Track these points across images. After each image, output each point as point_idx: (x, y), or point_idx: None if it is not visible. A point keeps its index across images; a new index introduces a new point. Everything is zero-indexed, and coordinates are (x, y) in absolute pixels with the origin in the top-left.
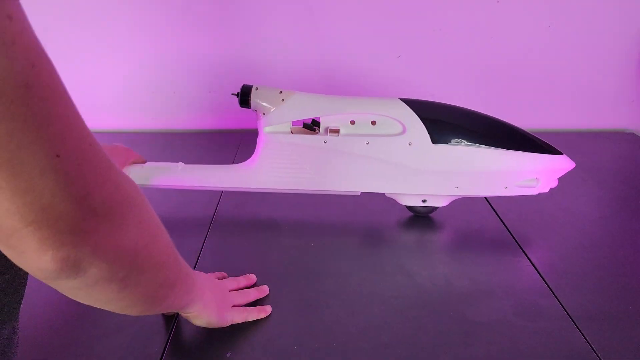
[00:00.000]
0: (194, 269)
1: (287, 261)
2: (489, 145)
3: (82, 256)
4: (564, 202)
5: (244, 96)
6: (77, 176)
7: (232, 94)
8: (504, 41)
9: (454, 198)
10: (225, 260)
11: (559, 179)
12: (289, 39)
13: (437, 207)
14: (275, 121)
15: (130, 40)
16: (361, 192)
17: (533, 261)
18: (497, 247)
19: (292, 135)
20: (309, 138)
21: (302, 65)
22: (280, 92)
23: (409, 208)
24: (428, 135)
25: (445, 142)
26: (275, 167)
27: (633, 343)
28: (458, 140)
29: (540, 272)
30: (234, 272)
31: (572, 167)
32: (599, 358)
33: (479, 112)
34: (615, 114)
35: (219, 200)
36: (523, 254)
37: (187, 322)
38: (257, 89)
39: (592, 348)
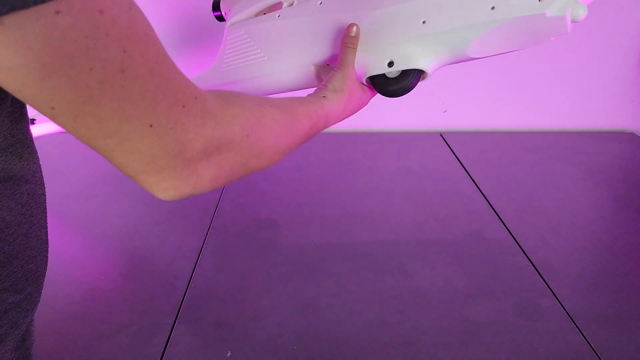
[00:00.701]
0: (194, 268)
1: (287, 261)
2: None
3: (190, 190)
4: (564, 202)
5: (215, 8)
6: (170, 138)
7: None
8: None
9: (435, 61)
10: (225, 260)
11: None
12: None
13: (413, 79)
14: (237, 14)
15: None
16: (315, 65)
17: (533, 261)
18: (497, 247)
19: (249, 20)
20: (264, 17)
21: None
22: None
23: (379, 87)
24: None
25: None
26: (234, 57)
27: (633, 343)
28: None
29: (540, 272)
30: (234, 272)
31: None
32: (599, 358)
33: None
34: (615, 114)
35: (219, 200)
36: (523, 254)
37: (187, 322)
38: None
39: (592, 348)
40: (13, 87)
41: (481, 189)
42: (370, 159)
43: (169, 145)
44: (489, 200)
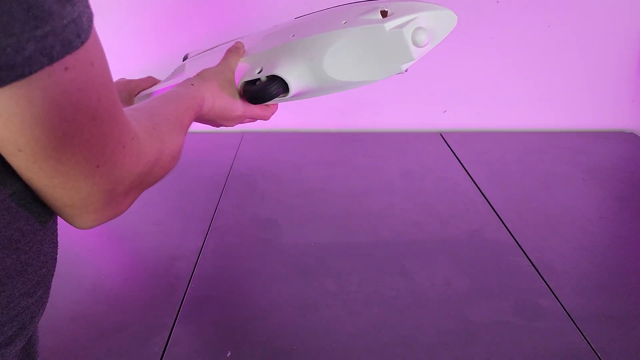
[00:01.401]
0: (194, 269)
1: (287, 261)
2: None
3: (107, 220)
4: (564, 202)
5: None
6: (109, 177)
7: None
8: (504, 41)
9: (296, 72)
10: (225, 260)
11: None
12: None
13: (274, 85)
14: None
15: (130, 42)
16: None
17: (533, 261)
18: (497, 247)
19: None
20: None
21: None
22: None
23: (247, 93)
24: None
25: None
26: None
27: (633, 343)
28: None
29: (540, 272)
30: (233, 272)
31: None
32: (599, 358)
33: None
34: (615, 114)
35: (219, 200)
36: (523, 254)
37: (187, 322)
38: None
39: (592, 348)
40: None
41: (481, 189)
42: (370, 159)
43: (107, 184)
44: (489, 200)
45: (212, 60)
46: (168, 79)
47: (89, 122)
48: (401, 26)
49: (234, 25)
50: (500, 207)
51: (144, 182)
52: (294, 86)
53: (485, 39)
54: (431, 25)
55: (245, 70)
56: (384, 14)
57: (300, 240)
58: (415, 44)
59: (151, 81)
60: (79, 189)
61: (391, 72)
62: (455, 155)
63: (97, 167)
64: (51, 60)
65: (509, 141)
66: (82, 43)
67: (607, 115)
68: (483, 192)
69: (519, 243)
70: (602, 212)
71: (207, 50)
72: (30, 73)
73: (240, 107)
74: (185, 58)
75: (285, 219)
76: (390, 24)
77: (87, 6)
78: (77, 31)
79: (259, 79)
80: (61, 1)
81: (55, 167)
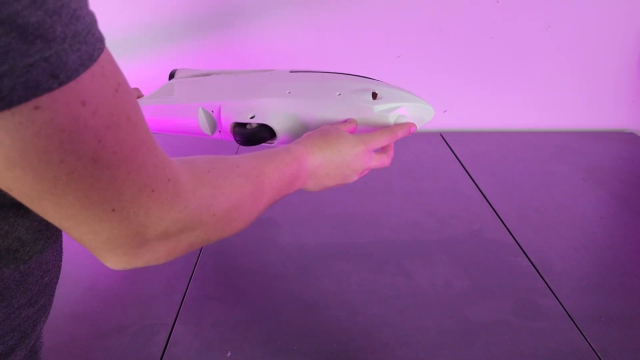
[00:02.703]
0: (194, 269)
1: (287, 261)
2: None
3: (142, 264)
4: (564, 202)
5: (170, 78)
6: (130, 221)
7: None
8: (504, 41)
9: (286, 125)
10: (225, 260)
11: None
12: (287, 37)
13: (264, 133)
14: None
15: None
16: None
17: (533, 261)
18: (497, 247)
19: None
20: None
21: (300, 65)
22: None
23: (244, 137)
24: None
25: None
26: (160, 95)
27: (633, 343)
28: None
29: (540, 272)
30: (233, 272)
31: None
32: (599, 358)
33: None
34: (615, 114)
35: None
36: (523, 254)
37: (188, 321)
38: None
39: (592, 348)
40: None
41: (481, 189)
42: None
43: (129, 229)
44: (489, 200)
45: (205, 87)
46: (153, 96)
47: (88, 166)
48: (387, 111)
49: (224, 45)
50: (500, 207)
51: (187, 230)
52: (281, 136)
53: (485, 39)
54: (412, 114)
55: (236, 110)
56: (374, 95)
57: (300, 240)
58: None
59: (136, 93)
60: (96, 232)
61: None
62: (455, 155)
63: (113, 211)
64: (9, 104)
65: (509, 141)
66: (62, 83)
67: (607, 115)
68: (483, 192)
69: (519, 243)
70: (602, 212)
71: (198, 76)
72: None
73: (360, 142)
74: (171, 75)
75: (285, 219)
76: (378, 108)
77: (85, 42)
78: (52, 71)
79: (249, 123)
80: (27, 39)
81: (57, 211)
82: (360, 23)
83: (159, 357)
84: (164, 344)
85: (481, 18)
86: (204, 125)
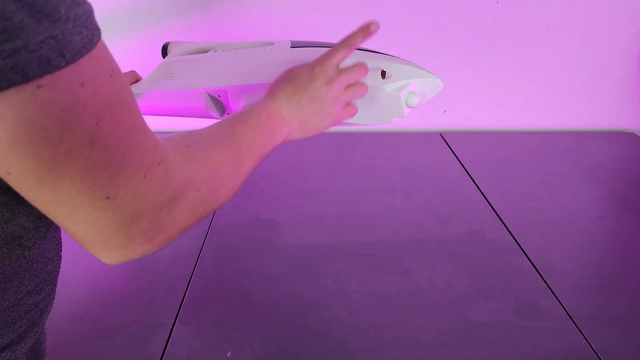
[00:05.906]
0: (194, 269)
1: (287, 261)
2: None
3: (138, 255)
4: (564, 202)
5: (163, 54)
6: (125, 210)
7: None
8: (504, 41)
9: None
10: (225, 260)
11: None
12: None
13: None
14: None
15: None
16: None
17: (533, 261)
18: (497, 247)
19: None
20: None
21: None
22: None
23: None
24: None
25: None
26: (157, 77)
27: (633, 343)
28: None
29: (540, 272)
30: (233, 272)
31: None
32: (599, 358)
33: None
34: (615, 114)
35: None
36: (523, 254)
37: (188, 321)
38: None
39: (592, 348)
40: None
41: (481, 189)
42: (370, 159)
43: (122, 217)
44: (489, 200)
45: (206, 69)
46: (152, 80)
47: (85, 148)
48: (398, 90)
49: (214, 19)
50: (500, 207)
51: (177, 210)
52: None
53: (485, 39)
54: (422, 90)
55: (244, 94)
56: (383, 74)
57: (300, 240)
58: (408, 104)
59: (133, 76)
60: (90, 222)
61: (382, 121)
62: (455, 155)
63: (108, 198)
64: (26, 78)
65: (509, 141)
66: (67, 63)
67: (607, 115)
68: (483, 192)
69: (519, 243)
70: (602, 212)
71: (195, 53)
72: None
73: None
74: (164, 48)
75: (285, 219)
76: (389, 87)
77: (85, 27)
78: (60, 49)
79: None
80: (36, 16)
81: (53, 195)
82: (361, 23)
83: (159, 357)
84: (164, 344)
85: (481, 18)
86: (212, 109)
